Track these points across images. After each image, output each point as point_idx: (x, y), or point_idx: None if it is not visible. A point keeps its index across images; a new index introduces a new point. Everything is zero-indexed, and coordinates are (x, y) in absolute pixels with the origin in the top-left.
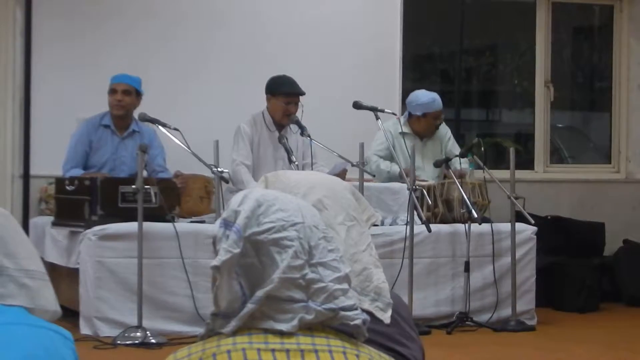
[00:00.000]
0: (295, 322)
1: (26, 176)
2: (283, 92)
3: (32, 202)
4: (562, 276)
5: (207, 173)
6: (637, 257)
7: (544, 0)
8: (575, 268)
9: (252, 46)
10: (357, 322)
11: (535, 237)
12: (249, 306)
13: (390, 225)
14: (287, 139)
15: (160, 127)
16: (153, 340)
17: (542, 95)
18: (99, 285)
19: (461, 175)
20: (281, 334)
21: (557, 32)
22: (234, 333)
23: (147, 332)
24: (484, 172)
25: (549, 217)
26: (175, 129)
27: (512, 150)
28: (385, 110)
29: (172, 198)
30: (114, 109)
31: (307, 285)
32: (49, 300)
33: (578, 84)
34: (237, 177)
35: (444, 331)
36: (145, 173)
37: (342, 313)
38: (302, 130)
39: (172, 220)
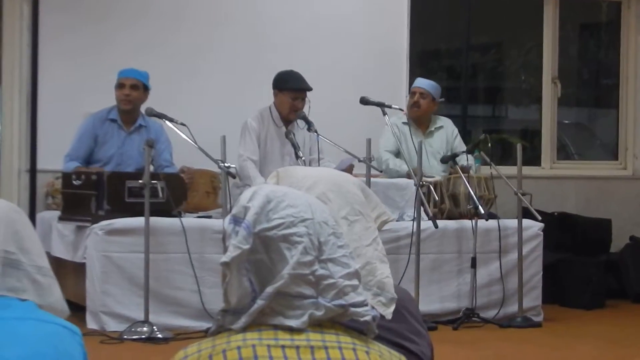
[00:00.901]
0: (305, 318)
1: (33, 171)
2: (290, 88)
3: (38, 197)
4: (568, 273)
5: (214, 168)
6: None
7: None
8: (582, 265)
9: (259, 42)
10: (367, 318)
11: (542, 233)
12: (259, 302)
13: (397, 221)
14: (294, 134)
15: (167, 122)
16: (160, 335)
17: (549, 91)
18: (106, 280)
19: (465, 171)
20: (291, 330)
21: (564, 29)
22: (244, 329)
23: (154, 327)
24: (490, 168)
25: (555, 214)
26: (182, 124)
27: (518, 147)
28: (393, 106)
29: (179, 193)
30: (121, 103)
31: (316, 281)
32: (57, 299)
33: (585, 80)
34: (244, 172)
35: (450, 327)
36: (151, 168)
37: (352, 309)
38: (309, 126)
39: (178, 215)
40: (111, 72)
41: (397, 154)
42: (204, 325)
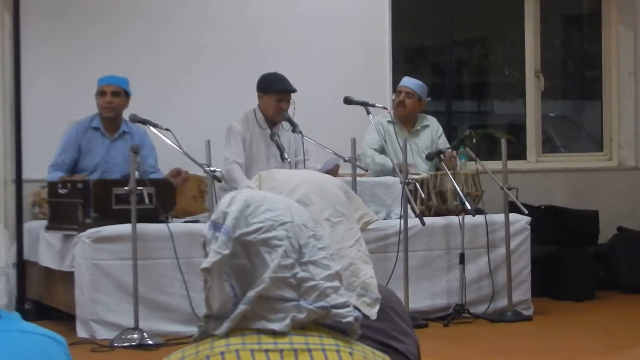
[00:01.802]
0: (287, 321)
1: (19, 180)
2: (275, 90)
3: (25, 207)
4: (557, 265)
5: (200, 172)
6: (632, 245)
7: None
8: (570, 257)
9: (241, 44)
10: (350, 319)
11: (529, 227)
12: (241, 307)
13: (384, 219)
14: (279, 136)
15: (151, 127)
16: (150, 342)
17: (532, 85)
18: (95, 287)
19: (452, 166)
20: (274, 333)
21: (547, 22)
22: (227, 334)
23: (144, 334)
24: (476, 163)
25: (542, 207)
26: (167, 129)
27: (503, 141)
28: (376, 104)
29: (168, 198)
30: (104, 111)
31: (298, 284)
32: None
33: (569, 72)
34: (230, 175)
35: (440, 324)
36: (137, 174)
37: (334, 311)
38: (294, 127)
39: (165, 220)
40: (94, 79)
41: (382, 152)
42: (194, 330)
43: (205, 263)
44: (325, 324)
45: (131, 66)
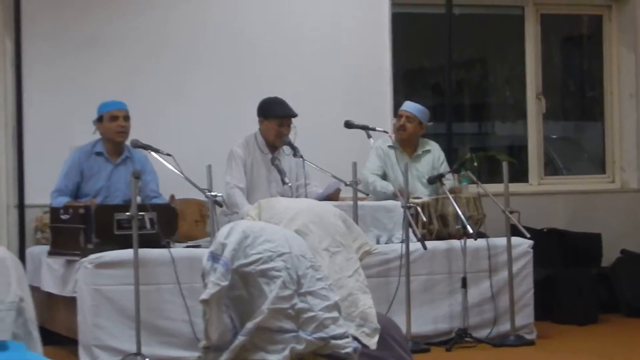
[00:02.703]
0: (286, 352)
1: (21, 206)
2: (275, 115)
3: (28, 232)
4: (560, 288)
5: (201, 197)
6: (635, 267)
7: (532, 11)
8: (573, 279)
9: (242, 69)
10: (349, 350)
11: (531, 250)
12: (240, 338)
13: (385, 243)
14: (280, 160)
15: (152, 152)
16: None
17: (533, 107)
18: (97, 313)
19: (454, 191)
20: None
21: (547, 42)
22: None
23: (147, 359)
24: (477, 187)
25: (545, 230)
26: (168, 154)
27: (505, 165)
28: (377, 128)
29: (170, 223)
30: (117, 136)
31: (296, 315)
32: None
33: (570, 93)
34: (232, 200)
35: (443, 348)
36: (139, 199)
37: (333, 342)
38: (295, 152)
39: (167, 245)
40: (95, 102)
41: (383, 176)
42: (196, 354)
43: (204, 295)
44: (324, 354)
45: (131, 90)
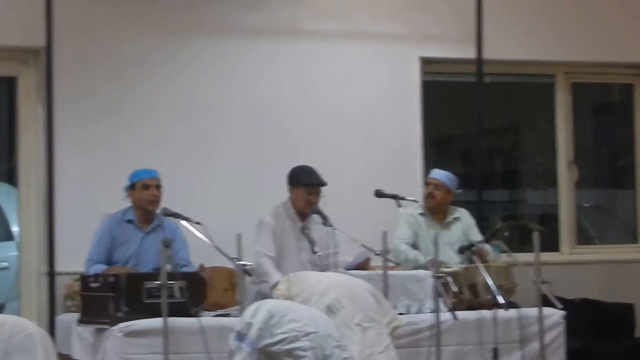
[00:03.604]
0: None
1: (51, 273)
2: (304, 183)
3: (58, 299)
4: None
5: (231, 265)
6: None
7: (562, 80)
8: (606, 351)
9: (272, 138)
10: None
11: (563, 321)
12: None
13: (416, 313)
14: (310, 229)
15: (182, 221)
16: None
17: (565, 175)
18: None
19: (483, 258)
20: None
21: (578, 110)
22: None
23: None
24: (508, 256)
25: (577, 300)
26: (198, 223)
27: (535, 235)
28: (407, 197)
29: (199, 292)
30: (150, 205)
31: None
32: None
33: (601, 161)
34: (261, 269)
35: None
36: (169, 267)
37: None
38: (325, 220)
39: (196, 314)
40: (125, 167)
41: (414, 245)
42: None
43: None
44: None
45: (158, 154)
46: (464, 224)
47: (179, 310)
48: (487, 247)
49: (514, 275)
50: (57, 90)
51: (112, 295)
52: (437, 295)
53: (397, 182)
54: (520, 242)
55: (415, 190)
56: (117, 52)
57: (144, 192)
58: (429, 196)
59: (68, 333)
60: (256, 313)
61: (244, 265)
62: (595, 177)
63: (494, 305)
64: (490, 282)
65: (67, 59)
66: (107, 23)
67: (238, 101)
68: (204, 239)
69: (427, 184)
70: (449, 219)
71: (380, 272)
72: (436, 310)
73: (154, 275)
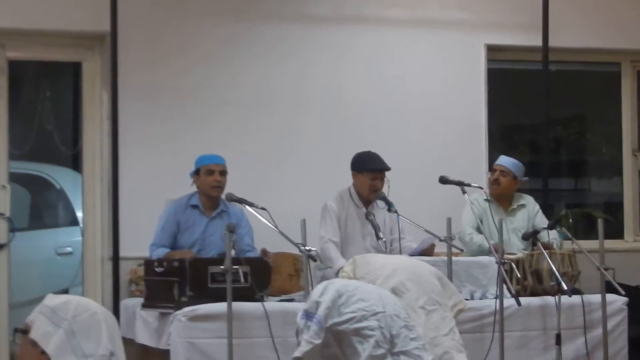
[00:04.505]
0: None
1: (116, 258)
2: (368, 169)
3: (122, 284)
4: None
5: (296, 251)
6: None
7: (628, 68)
8: None
9: (337, 124)
10: None
11: (626, 307)
12: None
13: (480, 299)
14: (374, 215)
15: (247, 206)
16: None
17: (629, 164)
18: None
19: (548, 247)
20: None
21: None
22: None
23: None
24: (572, 243)
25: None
26: (263, 208)
27: (600, 222)
28: (472, 184)
29: (263, 277)
30: (212, 190)
31: None
32: None
33: None
34: (326, 254)
35: None
36: (233, 252)
37: None
38: (389, 206)
39: (261, 299)
40: (189, 159)
41: (479, 230)
42: None
43: (297, 352)
44: None
45: (226, 146)
46: (529, 210)
47: (243, 295)
48: (552, 235)
49: (578, 262)
50: (122, 76)
51: (177, 280)
52: (501, 281)
53: (462, 169)
54: (584, 231)
55: (480, 177)
56: (186, 41)
57: (208, 177)
58: (494, 182)
59: (132, 318)
60: (324, 292)
61: (309, 250)
62: None
63: (558, 291)
64: (554, 268)
65: (133, 45)
66: (176, 10)
67: (308, 90)
68: (269, 224)
69: (493, 170)
70: (514, 205)
71: (444, 258)
72: (500, 296)
73: (218, 260)
